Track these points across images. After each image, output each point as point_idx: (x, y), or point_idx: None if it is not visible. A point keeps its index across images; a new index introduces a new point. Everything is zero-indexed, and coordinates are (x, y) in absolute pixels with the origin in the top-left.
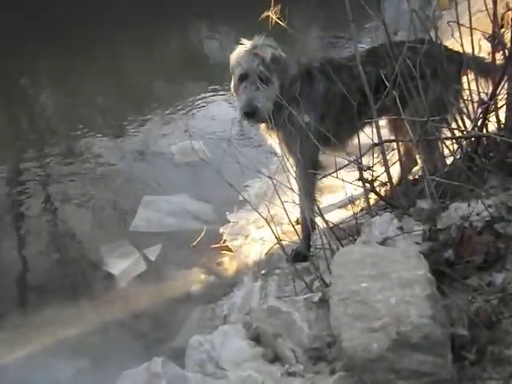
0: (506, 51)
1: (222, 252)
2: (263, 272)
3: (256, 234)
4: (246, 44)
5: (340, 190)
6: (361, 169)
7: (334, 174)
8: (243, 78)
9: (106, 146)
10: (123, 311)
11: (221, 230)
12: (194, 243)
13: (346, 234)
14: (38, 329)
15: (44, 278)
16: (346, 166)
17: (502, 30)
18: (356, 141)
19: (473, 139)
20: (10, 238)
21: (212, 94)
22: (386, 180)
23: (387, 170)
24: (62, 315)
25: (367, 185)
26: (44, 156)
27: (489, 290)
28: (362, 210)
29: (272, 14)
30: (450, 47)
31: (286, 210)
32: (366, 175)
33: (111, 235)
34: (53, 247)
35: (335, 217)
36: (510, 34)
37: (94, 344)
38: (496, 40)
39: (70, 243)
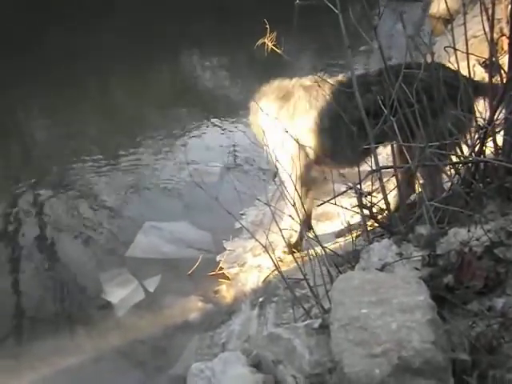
0: (504, 75)
1: (220, 280)
2: (261, 299)
3: (253, 262)
4: None
5: (337, 217)
6: (360, 195)
7: (332, 201)
8: None
9: (100, 175)
10: (121, 340)
11: (217, 258)
12: (190, 271)
13: (345, 260)
14: (35, 359)
15: (40, 308)
16: (345, 192)
17: (497, 55)
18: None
19: (470, 164)
20: (5, 268)
21: (204, 122)
22: (384, 206)
23: (385, 197)
24: (59, 344)
25: (366, 211)
26: (37, 187)
27: (489, 314)
28: (359, 237)
29: (268, 42)
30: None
31: (283, 238)
32: (365, 201)
33: (107, 264)
34: (49, 276)
35: (333, 243)
36: (506, 58)
37: (93, 373)
38: (493, 65)
39: (66, 272)
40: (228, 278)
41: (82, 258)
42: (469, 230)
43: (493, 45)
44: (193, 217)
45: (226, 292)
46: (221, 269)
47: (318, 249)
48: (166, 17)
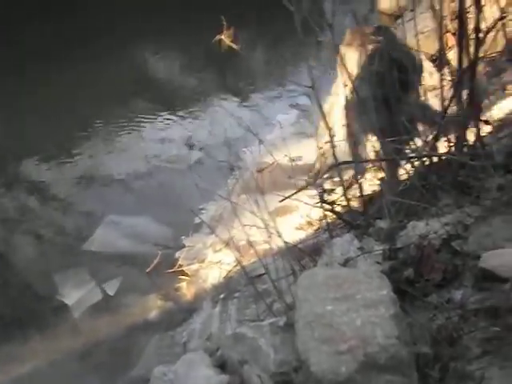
0: (453, 71)
1: (179, 277)
2: (222, 296)
3: (213, 258)
4: None
5: (296, 210)
6: (321, 190)
7: (293, 196)
8: None
9: (52, 170)
10: (78, 343)
11: (177, 255)
12: (149, 269)
13: (306, 254)
14: None
15: None
16: (306, 187)
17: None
18: None
19: (425, 158)
20: None
21: (161, 115)
22: (345, 200)
23: (345, 191)
24: (11, 351)
25: (327, 206)
26: None
27: (449, 306)
28: (318, 229)
29: (224, 37)
30: None
31: (244, 232)
32: (326, 196)
33: (61, 262)
34: None
35: (294, 237)
36: (452, 53)
37: (50, 380)
38: (442, 60)
39: (17, 273)
40: (188, 275)
41: (34, 257)
42: (427, 224)
43: (442, 41)
44: (151, 211)
45: (187, 289)
46: (180, 265)
47: (280, 243)
48: (122, 11)
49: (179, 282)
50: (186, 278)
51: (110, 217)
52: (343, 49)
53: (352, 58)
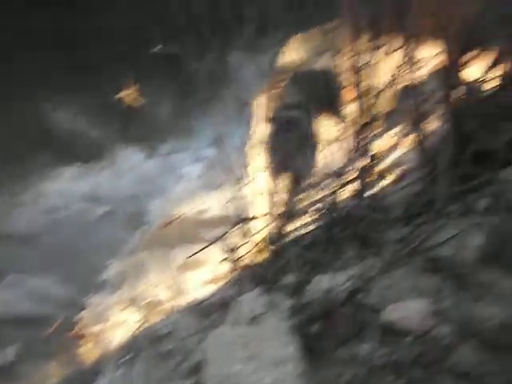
0: (354, 125)
1: (82, 339)
2: (127, 357)
3: (118, 318)
4: None
5: (205, 264)
6: (229, 246)
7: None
8: None
9: None
10: None
11: (79, 316)
12: (50, 332)
13: (215, 310)
14: None
15: None
16: (213, 243)
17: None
18: None
19: (327, 210)
20: None
21: (63, 167)
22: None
23: (254, 246)
24: None
25: (235, 260)
26: None
27: (356, 361)
28: (228, 283)
29: (127, 95)
30: None
31: (151, 289)
32: (235, 250)
33: None
34: None
35: (202, 292)
36: (350, 108)
37: None
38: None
39: None
40: (91, 337)
41: None
42: (332, 277)
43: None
44: (54, 269)
45: (90, 352)
46: (83, 327)
47: (188, 299)
48: (23, 60)
49: (82, 345)
50: (90, 340)
51: (9, 277)
52: (256, 99)
53: (263, 108)
